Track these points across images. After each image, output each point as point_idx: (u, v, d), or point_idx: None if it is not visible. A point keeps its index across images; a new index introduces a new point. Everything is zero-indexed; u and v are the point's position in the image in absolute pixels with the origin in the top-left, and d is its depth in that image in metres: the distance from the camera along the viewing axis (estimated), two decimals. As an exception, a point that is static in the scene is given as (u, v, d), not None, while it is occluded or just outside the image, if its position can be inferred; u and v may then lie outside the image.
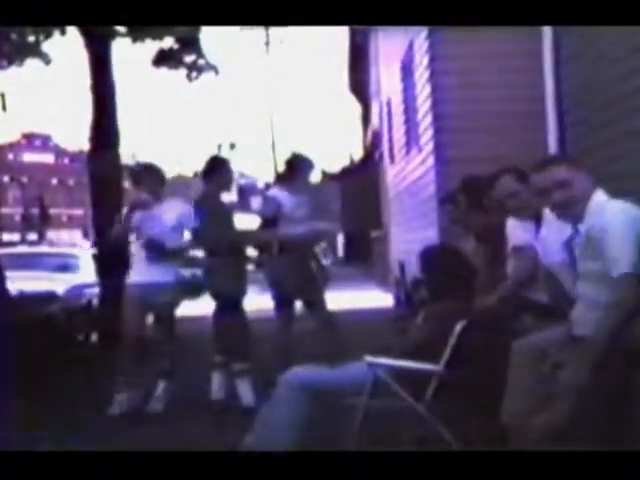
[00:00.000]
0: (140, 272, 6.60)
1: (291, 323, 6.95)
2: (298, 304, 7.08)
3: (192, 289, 7.66)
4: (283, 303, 6.92)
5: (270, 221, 6.91)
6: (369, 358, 4.37)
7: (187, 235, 6.80)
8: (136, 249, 6.69)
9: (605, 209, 3.64)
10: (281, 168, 7.35)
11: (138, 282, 6.56)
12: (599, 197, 3.72)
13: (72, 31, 11.08)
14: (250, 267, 7.44)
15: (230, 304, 6.64)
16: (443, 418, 4.26)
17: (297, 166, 7.09)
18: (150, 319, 6.93)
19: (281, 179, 7.30)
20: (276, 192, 7.12)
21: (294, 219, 6.85)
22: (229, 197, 6.90)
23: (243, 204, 6.97)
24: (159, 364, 6.62)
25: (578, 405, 3.41)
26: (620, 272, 3.47)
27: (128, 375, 6.42)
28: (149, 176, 6.81)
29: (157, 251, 6.53)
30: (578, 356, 3.48)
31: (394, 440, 4.46)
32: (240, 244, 6.92)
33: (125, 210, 6.80)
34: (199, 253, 7.12)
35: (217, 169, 6.85)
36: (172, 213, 6.65)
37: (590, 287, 3.68)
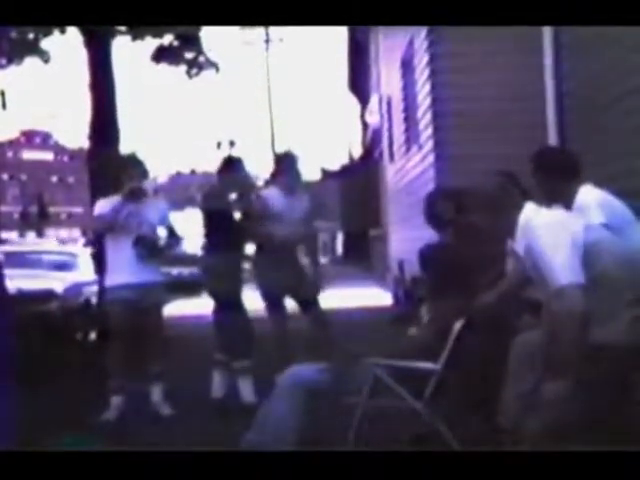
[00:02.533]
0: (126, 272, 6.29)
1: (281, 322, 6.97)
2: (290, 303, 7.12)
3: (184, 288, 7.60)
4: (271, 302, 6.97)
5: (259, 219, 6.97)
6: (368, 357, 4.37)
7: (171, 234, 6.64)
8: (120, 246, 6.32)
9: (530, 224, 3.60)
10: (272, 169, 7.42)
11: (125, 283, 6.27)
12: (526, 212, 3.68)
13: (71, 29, 11.08)
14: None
15: (228, 302, 6.64)
16: (442, 417, 4.26)
17: (281, 163, 7.18)
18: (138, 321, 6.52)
19: (272, 178, 7.38)
20: (268, 191, 7.19)
21: (285, 217, 6.88)
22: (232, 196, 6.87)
23: (242, 202, 6.98)
24: (149, 367, 6.43)
25: (566, 412, 3.40)
26: (557, 284, 3.43)
27: (120, 378, 6.26)
28: (133, 168, 6.53)
29: (148, 249, 6.33)
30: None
31: (393, 439, 4.47)
32: (239, 242, 6.95)
33: (117, 200, 6.35)
34: (196, 252, 7.13)
35: (230, 169, 6.85)
36: (156, 211, 6.52)
37: (544, 298, 3.67)
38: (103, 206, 6.45)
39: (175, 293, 15.87)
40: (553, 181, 3.80)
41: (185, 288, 15.87)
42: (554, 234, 3.48)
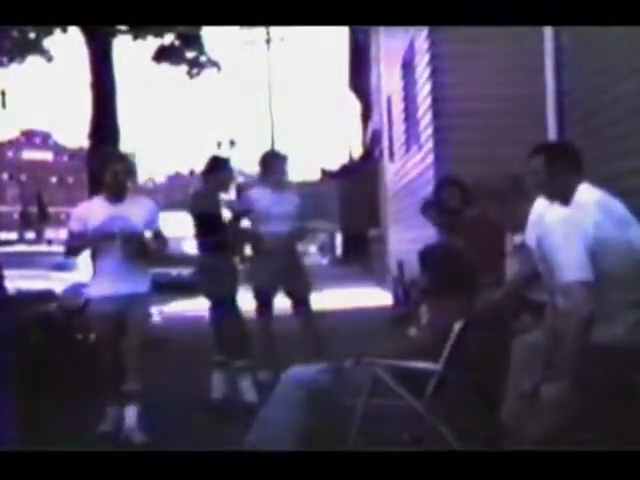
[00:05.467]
0: (108, 281, 5.68)
1: (269, 322, 7.06)
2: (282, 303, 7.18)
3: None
4: (261, 301, 7.04)
5: (242, 218, 7.05)
6: (368, 357, 4.37)
7: (156, 236, 5.92)
8: (101, 253, 5.73)
9: (544, 219, 3.60)
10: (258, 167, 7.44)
11: (106, 295, 5.66)
12: (539, 206, 3.69)
13: (73, 28, 11.08)
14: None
15: (223, 302, 6.65)
16: (442, 417, 4.26)
17: (269, 162, 7.22)
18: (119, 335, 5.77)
19: (259, 177, 7.46)
20: (254, 190, 7.26)
21: (272, 216, 6.93)
22: (228, 196, 6.90)
23: (241, 202, 7.00)
24: (125, 386, 5.69)
25: (566, 414, 3.39)
26: (565, 280, 3.43)
27: (109, 392, 5.76)
28: (117, 164, 5.80)
29: (137, 250, 5.68)
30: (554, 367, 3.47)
31: (393, 439, 4.46)
32: (230, 242, 6.96)
33: (98, 204, 5.81)
34: (190, 252, 7.11)
35: (216, 169, 6.86)
36: (142, 211, 5.82)
37: (549, 295, 3.66)
38: (81, 214, 5.84)
39: (175, 293, 15.95)
40: (559, 175, 3.79)
41: (185, 288, 15.90)
42: (566, 231, 3.49)
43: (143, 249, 5.75)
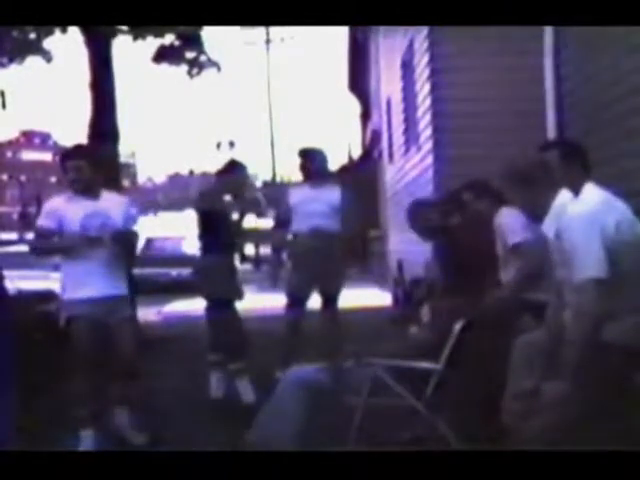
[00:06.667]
0: (89, 283, 5.29)
1: (299, 321, 7.05)
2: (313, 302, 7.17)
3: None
4: (292, 300, 7.04)
5: (280, 217, 7.09)
6: (368, 357, 4.37)
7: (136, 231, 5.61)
8: (80, 253, 5.29)
9: (565, 212, 3.60)
10: (297, 161, 7.33)
11: (88, 297, 5.28)
12: (562, 199, 3.68)
13: (73, 28, 11.06)
14: (248, 266, 7.52)
15: (221, 303, 6.64)
16: (442, 417, 4.26)
17: (307, 159, 7.18)
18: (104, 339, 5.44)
19: (301, 173, 7.37)
20: (295, 186, 7.24)
21: (304, 214, 6.91)
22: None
23: (240, 204, 7.00)
24: (112, 390, 5.52)
25: (568, 412, 3.39)
26: (581, 277, 3.42)
27: (88, 407, 5.33)
28: (79, 161, 5.38)
29: (125, 248, 5.40)
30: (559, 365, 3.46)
31: (393, 439, 4.47)
32: (233, 243, 6.95)
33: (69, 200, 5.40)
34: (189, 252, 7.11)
35: (234, 172, 6.82)
36: (121, 208, 5.49)
37: (562, 292, 3.66)
38: (53, 212, 5.38)
39: (176, 293, 15.94)
40: (571, 170, 3.79)
41: (185, 288, 15.91)
42: (587, 227, 3.48)
43: (131, 247, 5.49)
